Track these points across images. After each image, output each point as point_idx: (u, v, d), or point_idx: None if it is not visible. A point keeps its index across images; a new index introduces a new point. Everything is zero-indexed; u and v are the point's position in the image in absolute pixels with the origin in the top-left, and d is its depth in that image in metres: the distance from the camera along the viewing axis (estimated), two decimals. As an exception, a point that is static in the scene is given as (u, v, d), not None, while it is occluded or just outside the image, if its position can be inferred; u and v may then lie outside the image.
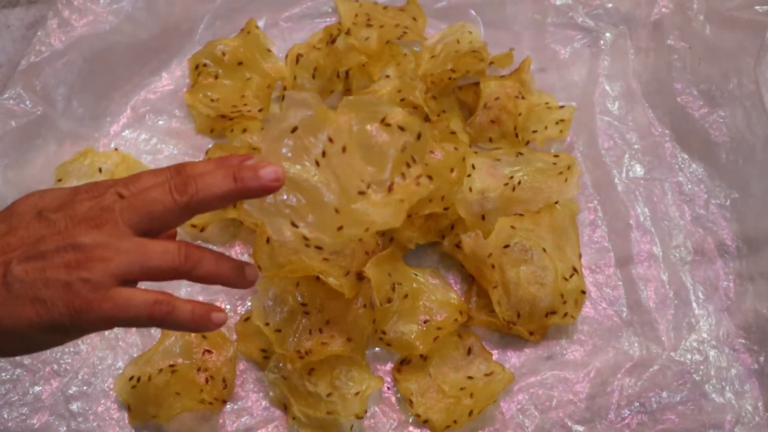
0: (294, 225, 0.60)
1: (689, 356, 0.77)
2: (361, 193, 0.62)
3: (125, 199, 0.55)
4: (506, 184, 0.79)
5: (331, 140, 0.61)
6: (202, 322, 0.56)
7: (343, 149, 0.61)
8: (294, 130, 0.60)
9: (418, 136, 0.63)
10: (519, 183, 0.79)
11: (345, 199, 0.61)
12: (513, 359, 0.77)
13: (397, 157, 0.63)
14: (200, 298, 0.79)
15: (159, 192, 0.55)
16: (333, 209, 0.61)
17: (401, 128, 0.63)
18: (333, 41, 0.88)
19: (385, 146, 0.62)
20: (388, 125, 0.62)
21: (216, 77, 0.89)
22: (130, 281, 0.54)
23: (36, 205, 0.55)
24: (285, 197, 0.59)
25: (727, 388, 0.75)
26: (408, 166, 0.63)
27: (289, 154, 0.59)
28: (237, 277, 0.58)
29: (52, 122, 0.85)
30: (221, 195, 0.55)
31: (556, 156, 0.82)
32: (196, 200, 0.55)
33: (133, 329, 0.78)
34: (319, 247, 0.61)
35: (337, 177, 0.61)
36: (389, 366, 0.77)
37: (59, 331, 0.53)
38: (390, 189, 0.62)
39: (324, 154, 0.61)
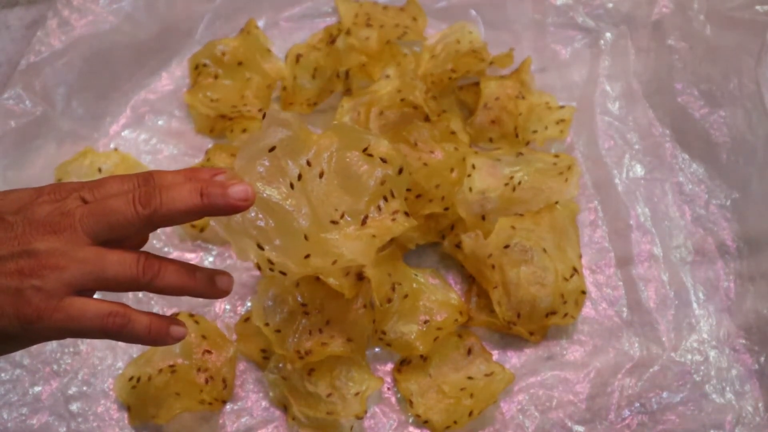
0: (260, 247, 0.57)
1: (690, 357, 0.77)
2: (334, 222, 0.60)
3: (87, 205, 0.53)
4: (506, 185, 0.79)
5: (309, 164, 0.59)
6: (159, 336, 0.55)
7: (321, 174, 0.59)
8: (272, 149, 0.58)
9: (400, 171, 0.61)
10: (519, 183, 0.79)
11: (316, 227, 0.59)
12: (513, 359, 0.77)
13: (375, 190, 0.61)
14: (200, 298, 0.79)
15: (122, 201, 0.53)
16: (302, 236, 0.58)
17: (383, 160, 0.61)
18: (333, 41, 0.88)
19: (364, 176, 0.60)
20: (370, 155, 0.61)
21: (216, 77, 0.89)
22: (85, 291, 0.53)
23: None
24: (253, 216, 0.57)
25: (728, 388, 0.75)
26: (386, 200, 0.61)
27: (264, 174, 0.57)
28: (205, 287, 0.56)
29: (51, 122, 0.85)
30: (185, 210, 0.53)
31: (556, 156, 0.82)
32: (159, 214, 0.53)
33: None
34: (283, 273, 0.58)
35: (310, 203, 0.59)
36: (389, 366, 0.77)
37: (8, 338, 0.52)
38: (364, 222, 0.60)
39: (300, 177, 0.59)
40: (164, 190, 0.53)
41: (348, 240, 0.60)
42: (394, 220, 0.61)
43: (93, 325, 0.52)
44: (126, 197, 0.53)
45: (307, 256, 0.59)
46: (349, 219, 0.60)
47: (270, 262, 0.58)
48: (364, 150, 0.61)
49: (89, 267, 0.52)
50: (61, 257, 0.51)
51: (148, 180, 0.55)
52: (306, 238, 0.58)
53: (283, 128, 0.58)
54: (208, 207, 0.54)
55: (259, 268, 0.70)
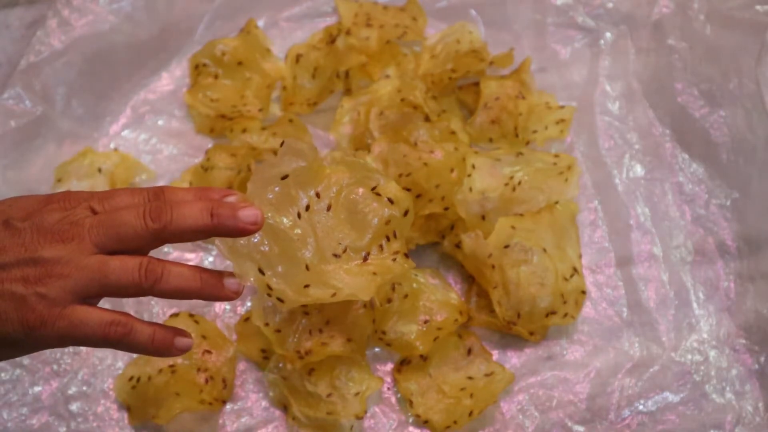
0: (261, 272, 0.58)
1: (690, 356, 0.77)
2: (336, 255, 0.60)
3: (97, 215, 0.53)
4: (506, 184, 0.79)
5: (318, 195, 0.60)
6: (163, 346, 0.54)
7: (328, 207, 0.60)
8: (284, 177, 0.58)
9: (405, 213, 0.63)
10: (519, 183, 0.79)
11: (318, 258, 0.60)
12: (513, 359, 0.77)
13: (379, 228, 0.62)
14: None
15: (132, 215, 0.53)
16: (304, 265, 0.59)
17: (390, 201, 0.62)
18: (333, 41, 0.88)
19: (371, 215, 0.61)
20: (378, 195, 0.62)
21: (216, 77, 0.89)
22: (90, 299, 0.53)
23: (4, 213, 0.54)
24: (257, 240, 0.57)
25: (728, 388, 0.75)
26: (388, 239, 0.62)
27: (274, 201, 0.58)
28: (212, 289, 0.55)
29: (51, 122, 0.85)
30: (195, 229, 0.53)
31: (556, 156, 0.82)
32: (169, 231, 0.53)
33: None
34: (280, 300, 0.59)
35: (315, 234, 0.60)
36: (389, 366, 0.77)
37: (10, 344, 0.52)
38: (365, 259, 0.61)
39: (308, 208, 0.60)
40: (175, 207, 0.53)
41: (349, 275, 0.60)
42: (394, 260, 0.62)
43: (95, 333, 0.52)
44: (136, 210, 0.53)
45: (307, 286, 0.59)
46: (351, 254, 0.61)
47: (269, 287, 0.58)
48: (373, 189, 0.62)
49: (92, 274, 0.52)
50: (66, 266, 0.51)
51: (158, 195, 0.55)
52: (307, 268, 0.59)
53: (298, 158, 0.59)
54: (218, 227, 0.54)
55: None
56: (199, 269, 0.55)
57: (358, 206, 0.61)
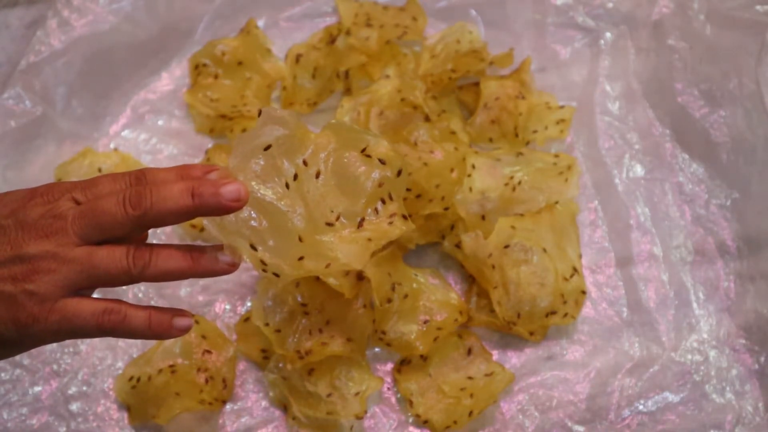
0: (253, 247, 0.56)
1: (690, 356, 0.77)
2: (329, 224, 0.58)
3: (79, 206, 0.53)
4: (506, 184, 0.79)
5: (305, 163, 0.58)
6: (161, 329, 0.54)
7: (317, 174, 0.58)
8: (267, 148, 0.56)
9: (398, 173, 0.60)
10: (519, 183, 0.79)
11: (311, 228, 0.58)
12: (513, 359, 0.77)
13: (372, 191, 0.59)
14: (200, 298, 0.79)
15: (112, 203, 0.52)
16: (297, 237, 0.57)
17: (382, 161, 0.59)
18: (333, 41, 0.88)
19: (362, 178, 0.59)
20: (369, 156, 0.59)
21: (216, 77, 0.89)
22: (81, 291, 0.52)
23: None
24: (246, 215, 0.56)
25: (728, 388, 0.75)
26: (383, 202, 0.59)
27: (259, 173, 0.56)
28: (206, 265, 0.54)
29: (51, 122, 0.85)
30: (176, 211, 0.52)
31: (556, 156, 0.82)
32: (150, 216, 0.52)
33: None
34: (276, 274, 0.57)
35: (306, 203, 0.58)
36: (389, 366, 0.77)
37: (6, 343, 0.52)
38: (360, 224, 0.59)
39: (296, 177, 0.57)
40: (155, 190, 0.52)
41: (343, 243, 0.58)
42: (391, 223, 0.59)
43: (88, 323, 0.52)
44: (117, 198, 0.52)
45: (301, 258, 0.57)
46: (345, 221, 0.58)
47: (263, 263, 0.57)
48: (363, 150, 0.59)
49: (79, 266, 0.51)
50: (53, 260, 0.51)
51: (140, 179, 0.54)
52: (300, 239, 0.57)
53: (279, 126, 0.57)
54: (200, 207, 0.52)
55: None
56: (189, 248, 0.54)
57: (348, 170, 0.59)
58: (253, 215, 0.56)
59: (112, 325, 0.52)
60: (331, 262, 0.58)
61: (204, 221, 0.55)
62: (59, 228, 0.52)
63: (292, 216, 0.57)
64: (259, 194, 0.56)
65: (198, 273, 0.54)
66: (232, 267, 0.55)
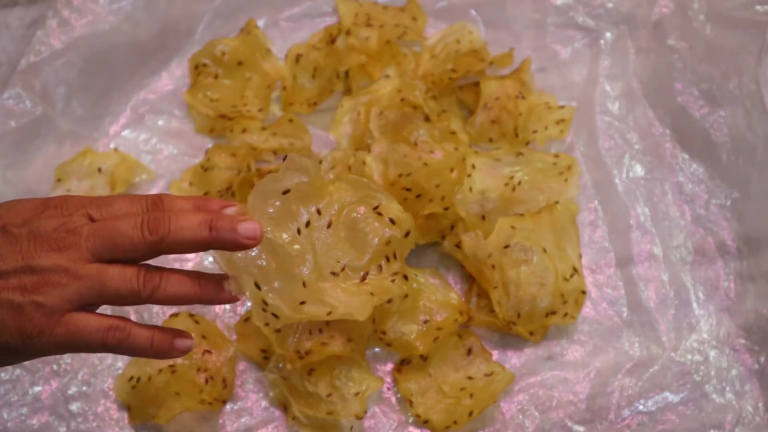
0: (257, 286, 0.57)
1: (689, 356, 0.77)
2: (334, 273, 0.60)
3: (94, 223, 0.53)
4: (506, 184, 0.79)
5: (319, 212, 0.60)
6: (163, 348, 0.54)
7: (329, 225, 0.60)
8: (286, 192, 0.58)
9: (406, 234, 0.62)
10: (519, 183, 0.79)
11: (316, 275, 0.59)
12: (513, 359, 0.77)
13: (379, 248, 0.61)
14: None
15: (130, 225, 0.53)
16: (301, 282, 0.59)
17: (392, 221, 0.62)
18: (333, 41, 0.88)
19: (371, 234, 0.61)
20: (380, 214, 0.62)
21: (216, 77, 0.89)
22: (88, 306, 0.53)
23: (1, 219, 0.53)
24: (255, 254, 0.57)
25: (728, 388, 0.75)
26: (387, 260, 0.62)
27: (274, 216, 0.58)
28: (211, 294, 0.55)
29: (51, 122, 0.85)
30: (193, 241, 0.53)
31: (556, 156, 0.82)
32: (167, 243, 0.53)
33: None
34: (275, 315, 0.58)
35: (314, 251, 0.59)
36: (389, 366, 0.77)
37: (9, 352, 0.52)
38: (363, 279, 0.61)
39: (308, 224, 0.59)
40: (173, 218, 0.53)
41: (346, 294, 0.60)
42: (393, 281, 0.62)
43: (93, 339, 0.52)
44: (134, 220, 0.53)
45: (303, 303, 0.59)
46: (349, 273, 0.61)
47: (265, 302, 0.58)
48: (375, 208, 0.62)
49: (90, 283, 0.52)
50: (64, 274, 0.51)
51: (157, 204, 0.55)
52: (304, 285, 0.59)
53: (300, 173, 0.59)
54: (216, 240, 0.53)
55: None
56: (197, 275, 0.55)
57: (358, 225, 0.61)
58: (263, 255, 0.57)
59: (117, 342, 0.53)
60: (332, 311, 0.60)
61: (213, 253, 0.56)
62: (72, 243, 0.52)
63: (299, 261, 0.59)
64: (271, 236, 0.57)
65: (203, 300, 0.55)
66: (235, 298, 0.56)
